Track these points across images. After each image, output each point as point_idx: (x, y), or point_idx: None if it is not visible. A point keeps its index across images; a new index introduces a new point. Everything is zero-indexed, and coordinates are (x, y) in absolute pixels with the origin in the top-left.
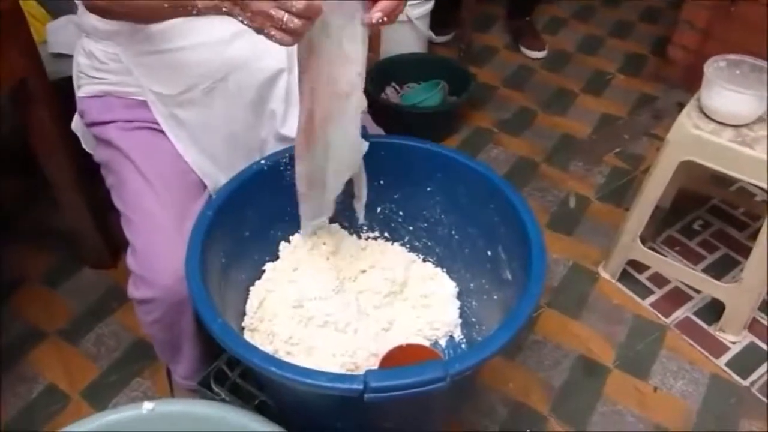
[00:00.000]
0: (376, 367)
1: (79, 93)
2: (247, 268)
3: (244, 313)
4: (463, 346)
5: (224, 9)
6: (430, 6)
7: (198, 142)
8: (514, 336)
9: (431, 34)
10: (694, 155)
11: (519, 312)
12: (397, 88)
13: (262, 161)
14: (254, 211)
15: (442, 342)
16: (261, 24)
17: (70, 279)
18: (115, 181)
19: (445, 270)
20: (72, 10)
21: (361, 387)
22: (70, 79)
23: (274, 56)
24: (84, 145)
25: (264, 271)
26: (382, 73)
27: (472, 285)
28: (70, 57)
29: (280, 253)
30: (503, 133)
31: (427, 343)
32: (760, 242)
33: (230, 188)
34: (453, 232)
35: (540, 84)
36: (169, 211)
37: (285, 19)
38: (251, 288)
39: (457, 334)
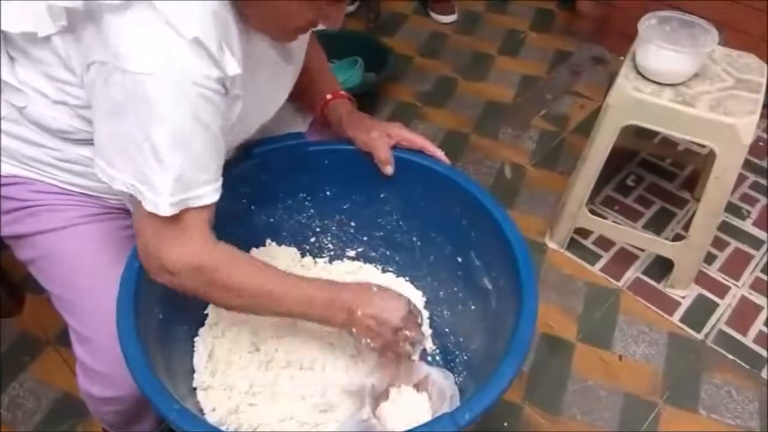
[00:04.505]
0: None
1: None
2: (187, 316)
3: (192, 370)
4: (437, 358)
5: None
6: None
7: None
8: (521, 366)
9: None
10: (636, 119)
11: (521, 335)
12: None
13: None
14: None
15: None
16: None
17: None
18: (38, 254)
19: (408, 279)
20: None
21: None
22: None
23: None
24: None
25: (206, 315)
26: None
27: (441, 293)
28: None
29: None
30: (426, 106)
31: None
32: (705, 200)
33: None
34: (414, 239)
35: (455, 49)
36: None
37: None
38: (196, 338)
39: (429, 347)
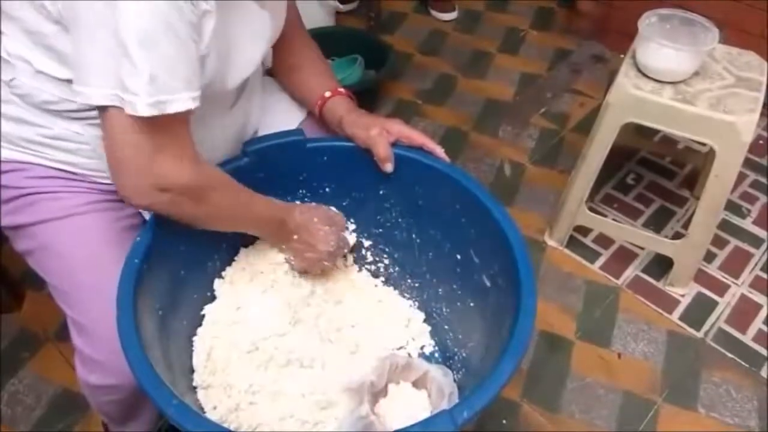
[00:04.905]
0: (350, 402)
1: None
2: (187, 314)
3: (192, 369)
4: (436, 355)
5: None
6: None
7: None
8: (520, 363)
9: (337, 3)
10: (637, 117)
11: (520, 332)
12: None
13: None
14: (189, 242)
15: (414, 355)
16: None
17: None
18: (36, 245)
19: (407, 276)
20: None
21: None
22: None
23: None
24: None
25: (203, 315)
26: None
27: (440, 290)
28: None
29: (217, 292)
30: (426, 103)
31: (400, 359)
32: (704, 198)
33: (158, 221)
34: (413, 236)
35: (455, 47)
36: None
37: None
38: (194, 338)
39: (428, 343)
